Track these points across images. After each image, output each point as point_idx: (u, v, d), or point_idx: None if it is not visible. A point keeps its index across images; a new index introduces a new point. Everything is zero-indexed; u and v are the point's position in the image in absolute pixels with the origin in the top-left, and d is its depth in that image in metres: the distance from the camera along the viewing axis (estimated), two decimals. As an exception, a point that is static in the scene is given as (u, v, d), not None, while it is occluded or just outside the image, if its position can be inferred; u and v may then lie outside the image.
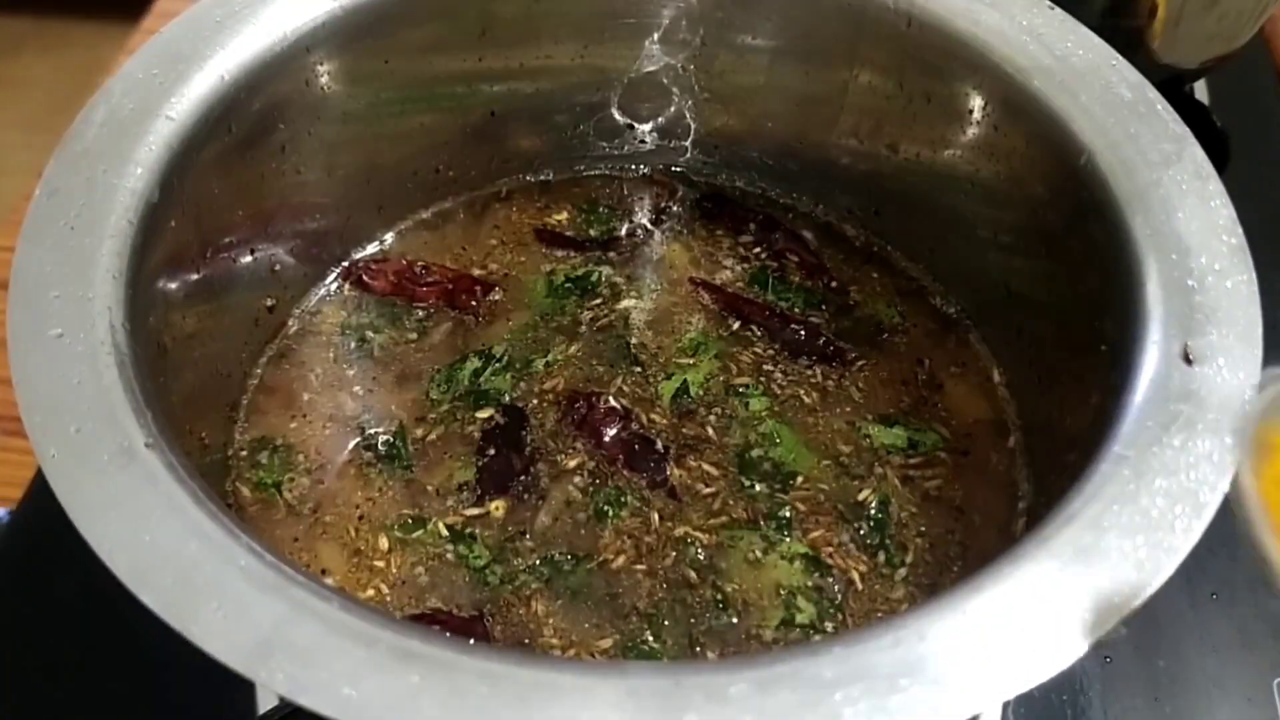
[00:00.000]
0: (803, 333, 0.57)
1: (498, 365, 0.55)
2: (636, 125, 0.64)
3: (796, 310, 0.58)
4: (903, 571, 0.49)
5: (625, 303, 0.58)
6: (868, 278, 0.60)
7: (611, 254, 0.61)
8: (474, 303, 0.58)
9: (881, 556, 0.49)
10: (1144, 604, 0.34)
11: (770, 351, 0.56)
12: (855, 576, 0.48)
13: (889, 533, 0.50)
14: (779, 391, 0.55)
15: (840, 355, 0.56)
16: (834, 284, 0.60)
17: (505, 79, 0.60)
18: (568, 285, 0.59)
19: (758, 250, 0.61)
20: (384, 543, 0.49)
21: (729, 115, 0.63)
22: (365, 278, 0.59)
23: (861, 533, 0.50)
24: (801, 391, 0.55)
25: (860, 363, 0.56)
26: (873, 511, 0.50)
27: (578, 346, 0.56)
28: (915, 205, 0.59)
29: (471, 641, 0.44)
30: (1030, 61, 0.50)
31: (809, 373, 0.56)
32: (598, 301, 0.58)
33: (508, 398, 0.54)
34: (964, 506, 0.51)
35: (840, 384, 0.55)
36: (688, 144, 0.64)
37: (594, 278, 0.59)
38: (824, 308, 0.58)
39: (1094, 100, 0.48)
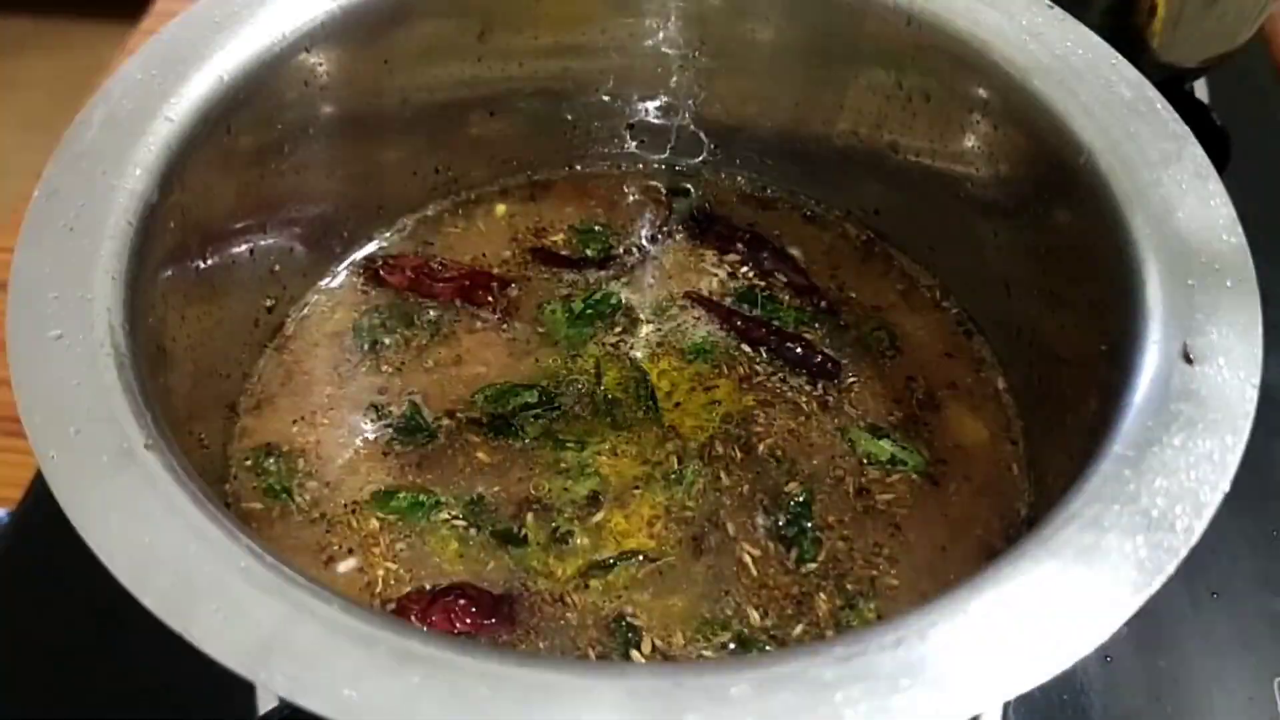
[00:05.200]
0: (799, 349, 0.56)
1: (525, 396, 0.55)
2: (635, 124, 0.64)
3: (789, 329, 0.58)
4: (811, 566, 0.49)
5: (643, 330, 0.58)
6: (865, 283, 0.60)
7: (609, 272, 0.60)
8: (490, 298, 0.58)
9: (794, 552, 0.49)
10: (1145, 604, 0.34)
11: (770, 369, 0.56)
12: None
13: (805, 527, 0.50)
14: (775, 400, 0.55)
15: (838, 370, 0.56)
16: (824, 304, 0.59)
17: (504, 79, 0.60)
18: (589, 312, 0.58)
19: (745, 269, 0.60)
20: (398, 545, 0.49)
21: (728, 115, 0.63)
22: (382, 273, 0.59)
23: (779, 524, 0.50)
24: (801, 400, 0.55)
25: (851, 380, 0.56)
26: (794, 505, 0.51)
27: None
28: (914, 204, 0.59)
29: (493, 621, 0.46)
30: (1030, 61, 0.50)
31: (809, 387, 0.55)
32: (619, 329, 0.58)
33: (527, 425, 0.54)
34: (902, 525, 0.51)
35: (838, 399, 0.55)
36: (687, 143, 0.64)
37: (613, 300, 0.59)
38: (817, 326, 0.58)
39: (1094, 99, 0.48)
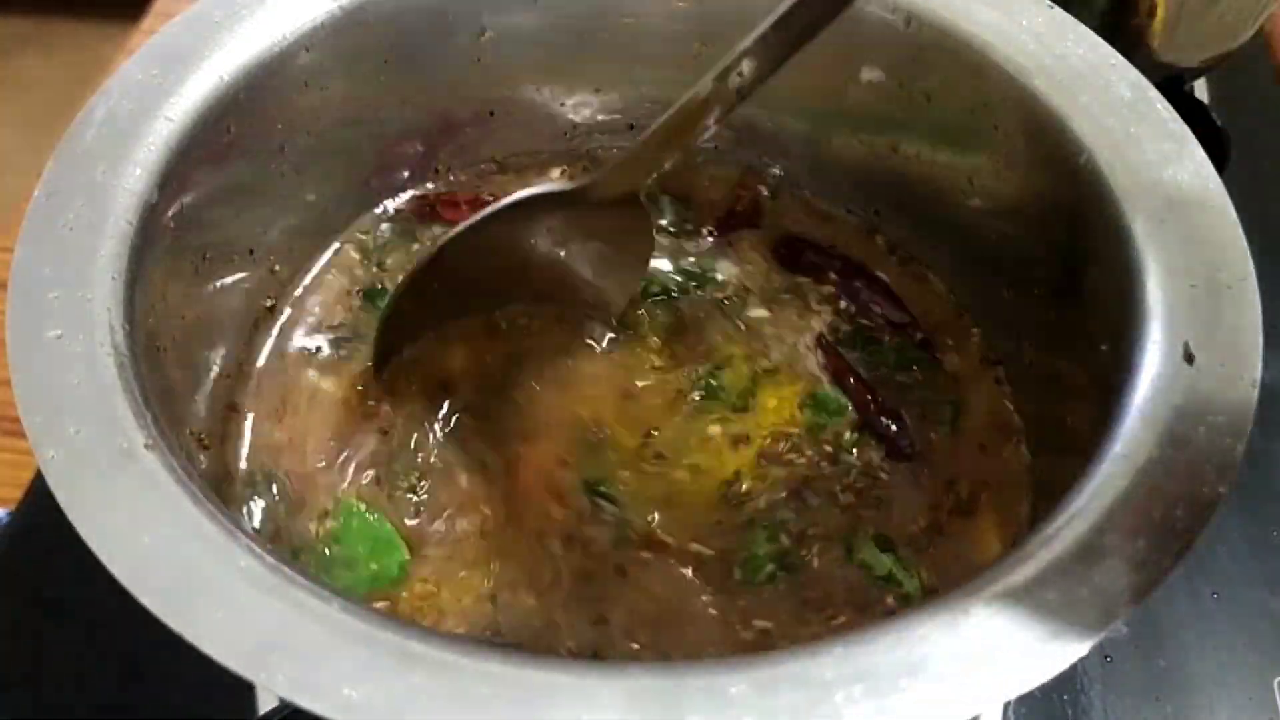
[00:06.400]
0: (893, 428, 0.53)
1: None
2: (635, 126, 0.64)
3: (884, 369, 0.55)
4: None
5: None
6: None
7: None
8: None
9: None
10: (1145, 604, 0.34)
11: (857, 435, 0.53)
12: None
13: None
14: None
15: (912, 455, 0.53)
16: (920, 336, 0.56)
17: (504, 80, 0.60)
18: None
19: (844, 304, 0.58)
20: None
21: (729, 115, 0.63)
22: (439, 209, 0.59)
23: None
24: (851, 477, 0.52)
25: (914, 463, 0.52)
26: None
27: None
28: (914, 205, 0.59)
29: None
30: (1030, 61, 0.50)
31: (878, 463, 0.52)
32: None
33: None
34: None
35: (873, 488, 0.52)
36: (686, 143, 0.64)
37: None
38: (914, 369, 0.56)
39: (1094, 100, 0.48)
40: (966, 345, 0.57)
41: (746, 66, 0.44)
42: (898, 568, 0.49)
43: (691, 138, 0.47)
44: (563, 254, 0.54)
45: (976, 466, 0.52)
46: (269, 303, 0.56)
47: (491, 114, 0.61)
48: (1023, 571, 0.35)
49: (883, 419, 0.53)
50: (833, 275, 0.59)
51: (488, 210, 0.50)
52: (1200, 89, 0.83)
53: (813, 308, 0.58)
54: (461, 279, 0.52)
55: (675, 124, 0.46)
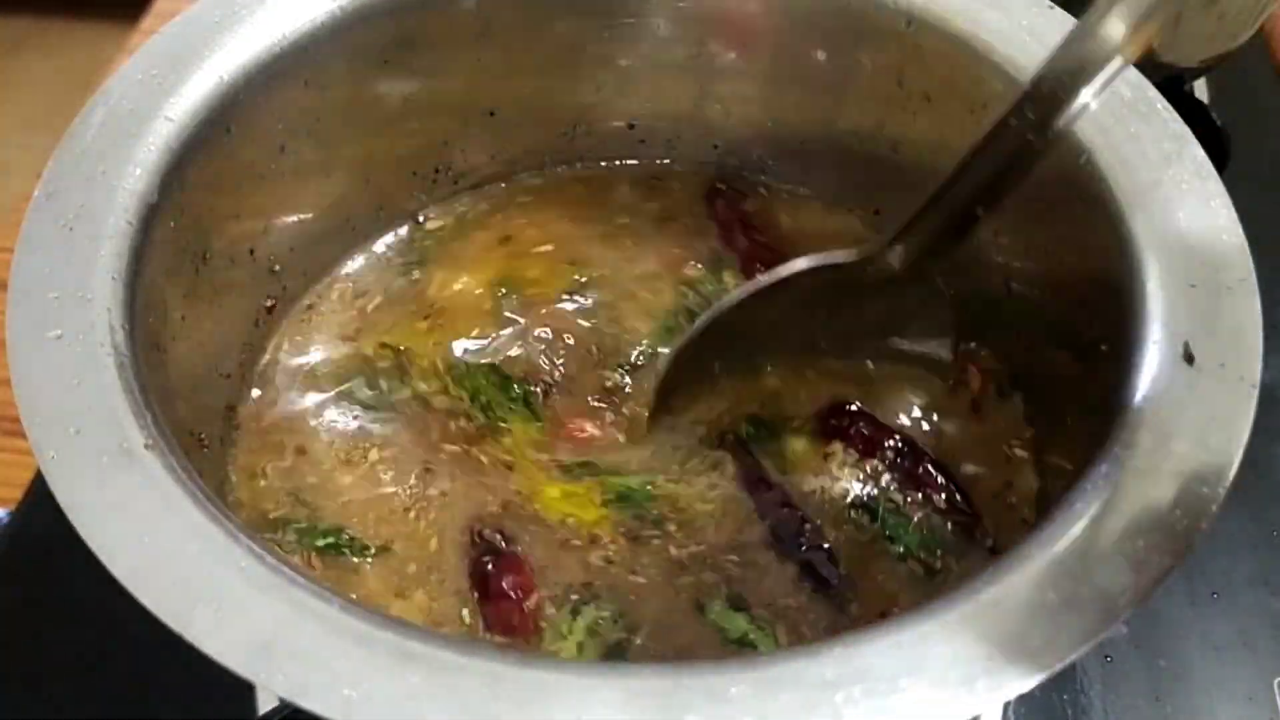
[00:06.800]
0: (810, 553, 0.47)
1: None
2: (637, 125, 0.64)
3: (902, 550, 0.48)
4: None
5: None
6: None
7: None
8: None
9: None
10: (1145, 603, 0.34)
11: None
12: None
13: None
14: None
15: (834, 585, 0.46)
16: (990, 544, 0.48)
17: (504, 78, 0.60)
18: None
19: (886, 478, 0.50)
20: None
21: (729, 115, 0.63)
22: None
23: None
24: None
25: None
26: None
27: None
28: (914, 205, 0.59)
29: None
30: (1030, 61, 0.50)
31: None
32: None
33: None
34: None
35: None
36: (688, 142, 0.64)
37: None
38: (938, 552, 0.48)
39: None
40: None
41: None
42: (753, 629, 0.45)
43: (981, 192, 0.44)
44: (844, 322, 0.51)
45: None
46: (269, 303, 0.56)
47: (492, 114, 0.61)
48: (1023, 571, 0.35)
49: (800, 541, 0.47)
50: (889, 455, 0.50)
51: (768, 278, 0.49)
52: (1200, 89, 0.83)
53: (830, 472, 0.51)
54: (737, 338, 0.51)
55: (962, 177, 0.44)
